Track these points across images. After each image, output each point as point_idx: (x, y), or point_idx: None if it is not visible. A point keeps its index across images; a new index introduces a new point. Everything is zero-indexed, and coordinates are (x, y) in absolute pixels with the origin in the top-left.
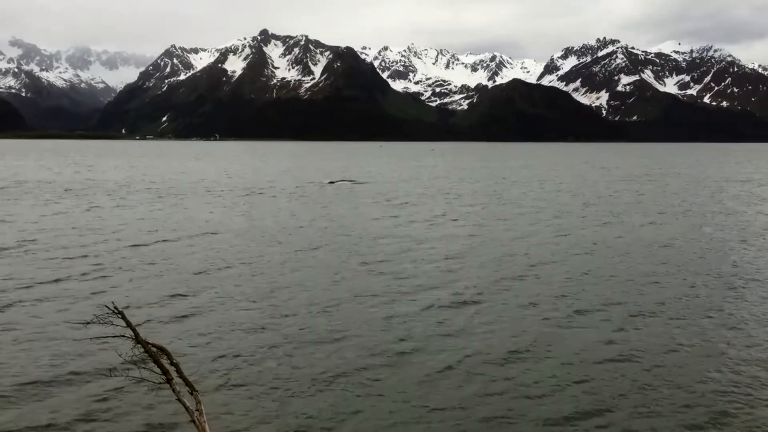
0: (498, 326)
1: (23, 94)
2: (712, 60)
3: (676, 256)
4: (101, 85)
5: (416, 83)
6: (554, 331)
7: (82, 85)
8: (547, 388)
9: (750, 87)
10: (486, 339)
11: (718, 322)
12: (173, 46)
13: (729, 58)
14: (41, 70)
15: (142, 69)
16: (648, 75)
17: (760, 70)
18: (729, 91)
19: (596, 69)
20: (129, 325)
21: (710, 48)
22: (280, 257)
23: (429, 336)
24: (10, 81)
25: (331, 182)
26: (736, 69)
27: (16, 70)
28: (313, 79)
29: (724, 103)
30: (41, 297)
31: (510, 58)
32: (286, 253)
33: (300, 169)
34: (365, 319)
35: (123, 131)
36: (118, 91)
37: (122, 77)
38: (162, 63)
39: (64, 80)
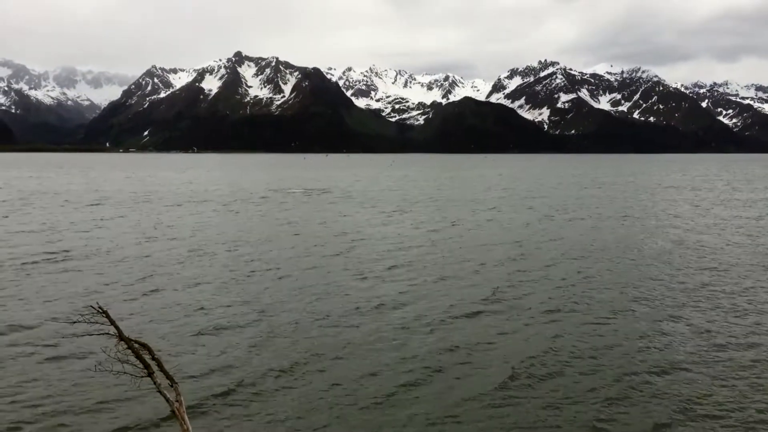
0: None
1: (13, 111)
2: (641, 80)
3: (630, 254)
4: (86, 103)
5: (377, 101)
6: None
7: (69, 102)
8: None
9: (673, 104)
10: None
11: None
12: (154, 66)
13: (655, 79)
14: (30, 88)
15: (125, 87)
16: (584, 93)
17: (682, 89)
18: (655, 107)
19: (538, 88)
20: (113, 323)
21: (639, 69)
22: (268, 261)
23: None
24: (1, 99)
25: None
26: (661, 88)
27: (6, 88)
28: (283, 96)
29: (651, 119)
30: (32, 298)
31: (462, 78)
32: (275, 256)
33: (284, 180)
34: (344, 310)
35: (107, 144)
36: (102, 107)
37: (106, 95)
38: (143, 82)
39: (52, 98)
